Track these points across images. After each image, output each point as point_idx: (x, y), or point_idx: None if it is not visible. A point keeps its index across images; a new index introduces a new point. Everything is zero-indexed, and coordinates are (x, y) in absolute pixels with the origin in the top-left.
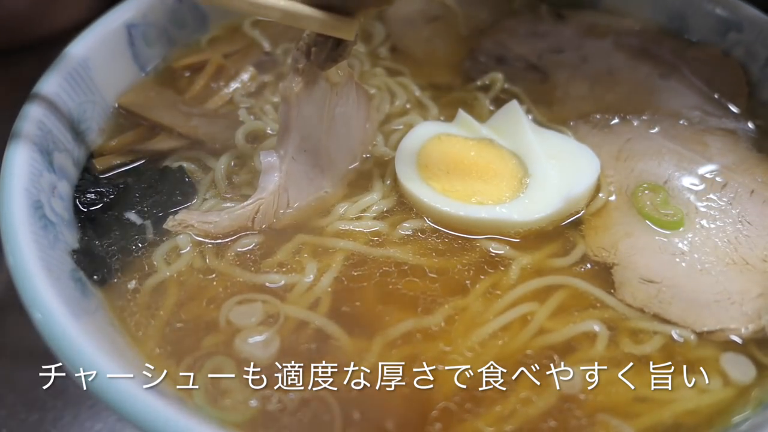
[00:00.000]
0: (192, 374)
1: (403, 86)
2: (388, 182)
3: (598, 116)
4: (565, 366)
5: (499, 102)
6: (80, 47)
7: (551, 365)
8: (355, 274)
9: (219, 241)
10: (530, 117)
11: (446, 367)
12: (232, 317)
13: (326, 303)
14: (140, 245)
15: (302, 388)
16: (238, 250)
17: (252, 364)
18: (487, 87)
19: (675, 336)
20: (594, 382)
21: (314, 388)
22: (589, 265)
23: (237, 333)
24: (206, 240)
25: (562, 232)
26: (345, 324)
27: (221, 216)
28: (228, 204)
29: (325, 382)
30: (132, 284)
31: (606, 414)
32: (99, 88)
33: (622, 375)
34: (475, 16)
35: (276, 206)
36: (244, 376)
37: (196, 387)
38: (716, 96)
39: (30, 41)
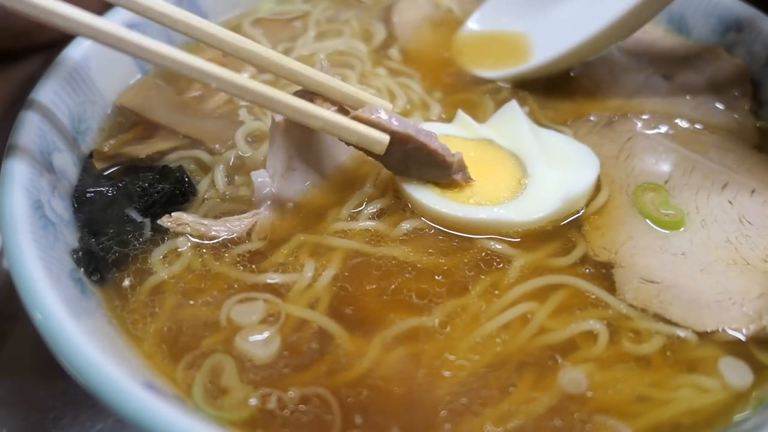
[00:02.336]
0: (191, 373)
1: (405, 87)
2: (389, 181)
3: (598, 116)
4: (565, 365)
5: (499, 102)
6: (80, 47)
7: (551, 365)
8: (355, 273)
9: (217, 240)
10: (530, 117)
11: (446, 367)
12: (233, 315)
13: (325, 302)
14: (140, 245)
15: (302, 387)
16: (237, 250)
17: (252, 362)
18: (495, 89)
19: (675, 336)
20: (594, 381)
21: (314, 388)
22: (589, 265)
23: (237, 331)
24: (204, 241)
25: (562, 231)
26: (345, 323)
27: (218, 224)
28: (228, 205)
29: (325, 381)
30: (132, 284)
31: (605, 414)
32: (99, 88)
33: (622, 375)
34: None
35: (272, 219)
36: (244, 375)
37: (196, 386)
38: (718, 96)
39: (35, 43)
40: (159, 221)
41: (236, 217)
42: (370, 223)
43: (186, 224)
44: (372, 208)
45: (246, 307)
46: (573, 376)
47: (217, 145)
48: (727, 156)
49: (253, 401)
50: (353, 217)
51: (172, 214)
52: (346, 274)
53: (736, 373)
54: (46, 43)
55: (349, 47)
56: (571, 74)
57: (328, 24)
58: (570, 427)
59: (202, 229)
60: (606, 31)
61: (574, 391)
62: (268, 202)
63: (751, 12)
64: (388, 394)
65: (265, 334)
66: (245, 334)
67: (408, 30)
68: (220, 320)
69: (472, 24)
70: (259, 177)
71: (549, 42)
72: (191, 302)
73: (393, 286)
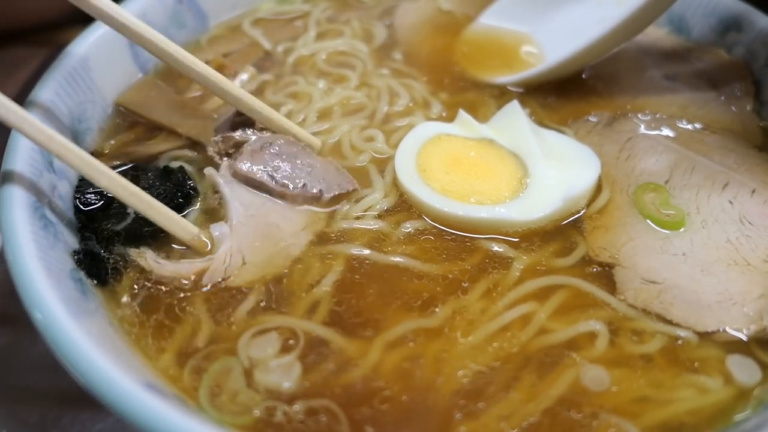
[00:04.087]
0: (198, 376)
1: (407, 87)
2: (388, 181)
3: (598, 116)
4: (565, 366)
5: (500, 102)
6: (80, 47)
7: (552, 365)
8: (356, 275)
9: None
10: (531, 117)
11: (450, 368)
12: (252, 353)
13: (327, 305)
14: (141, 245)
15: (307, 395)
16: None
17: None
18: (496, 90)
19: (676, 336)
20: (595, 381)
21: (319, 395)
22: (590, 265)
23: (256, 366)
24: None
25: (563, 231)
26: (345, 326)
27: (171, 265)
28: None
29: (329, 387)
30: (132, 284)
31: (609, 413)
32: (99, 88)
33: (622, 375)
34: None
35: (227, 266)
36: (249, 378)
37: (202, 389)
38: (719, 96)
39: (17, 28)
40: (129, 252)
41: (190, 260)
42: (373, 223)
43: (144, 257)
44: (378, 208)
45: (262, 340)
46: (574, 376)
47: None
48: (728, 156)
49: (257, 412)
50: (356, 217)
51: (141, 249)
52: (347, 277)
53: (744, 371)
54: (16, 27)
55: (350, 47)
56: (583, 77)
57: (328, 24)
58: (575, 425)
59: (154, 266)
60: (612, 33)
61: (575, 390)
62: (224, 250)
63: (751, 12)
64: (391, 394)
65: (284, 361)
66: (264, 368)
67: (409, 33)
68: (242, 361)
69: (483, 20)
70: (218, 229)
71: (557, 45)
72: (194, 302)
73: (394, 288)
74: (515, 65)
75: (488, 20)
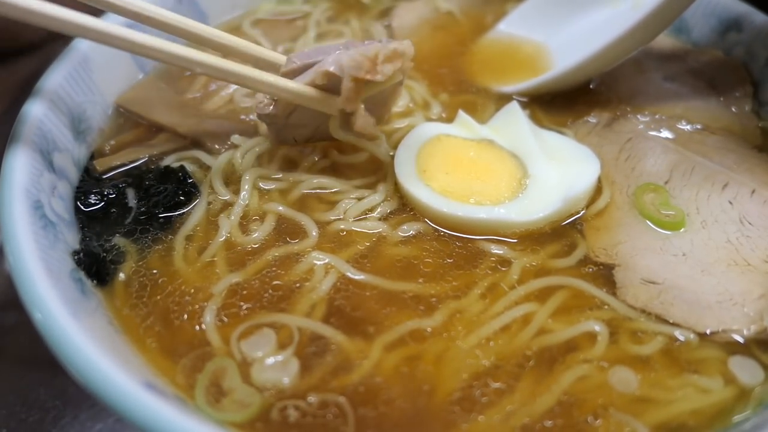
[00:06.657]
0: (192, 374)
1: (407, 88)
2: (389, 182)
3: (598, 117)
4: (565, 366)
5: (499, 103)
6: (80, 47)
7: (551, 365)
8: (355, 276)
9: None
10: (531, 118)
11: (449, 367)
12: (245, 349)
13: (325, 307)
14: (141, 245)
15: (303, 388)
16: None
17: (282, 392)
18: (498, 93)
19: (676, 337)
20: (594, 382)
21: (314, 388)
22: (590, 266)
23: (251, 364)
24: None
25: (562, 232)
26: (345, 328)
27: None
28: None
29: (325, 382)
30: (132, 284)
31: (611, 412)
32: (99, 88)
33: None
34: (479, 22)
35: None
36: (245, 375)
37: (198, 387)
38: (719, 97)
39: (30, 42)
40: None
41: None
42: (373, 224)
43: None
44: (380, 210)
45: (255, 339)
46: (574, 376)
47: (217, 146)
48: (727, 156)
49: (255, 402)
50: (355, 217)
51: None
52: (347, 278)
53: (747, 372)
54: (35, 42)
55: None
56: (591, 86)
57: (328, 25)
58: (579, 423)
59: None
60: (621, 40)
61: (575, 390)
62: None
63: (751, 12)
64: (393, 396)
65: (280, 358)
66: (259, 366)
67: (408, 33)
68: (237, 358)
69: (499, 28)
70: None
71: (566, 54)
72: (193, 303)
73: (394, 289)
74: (527, 76)
75: (504, 29)
